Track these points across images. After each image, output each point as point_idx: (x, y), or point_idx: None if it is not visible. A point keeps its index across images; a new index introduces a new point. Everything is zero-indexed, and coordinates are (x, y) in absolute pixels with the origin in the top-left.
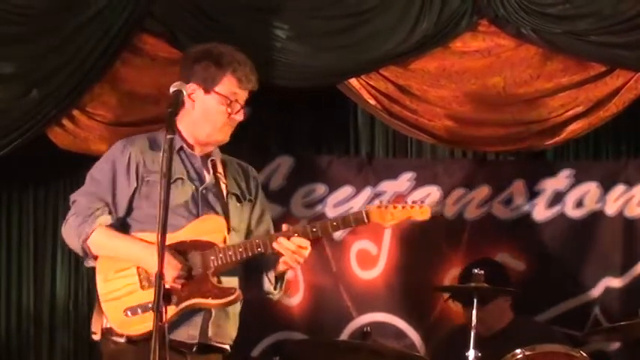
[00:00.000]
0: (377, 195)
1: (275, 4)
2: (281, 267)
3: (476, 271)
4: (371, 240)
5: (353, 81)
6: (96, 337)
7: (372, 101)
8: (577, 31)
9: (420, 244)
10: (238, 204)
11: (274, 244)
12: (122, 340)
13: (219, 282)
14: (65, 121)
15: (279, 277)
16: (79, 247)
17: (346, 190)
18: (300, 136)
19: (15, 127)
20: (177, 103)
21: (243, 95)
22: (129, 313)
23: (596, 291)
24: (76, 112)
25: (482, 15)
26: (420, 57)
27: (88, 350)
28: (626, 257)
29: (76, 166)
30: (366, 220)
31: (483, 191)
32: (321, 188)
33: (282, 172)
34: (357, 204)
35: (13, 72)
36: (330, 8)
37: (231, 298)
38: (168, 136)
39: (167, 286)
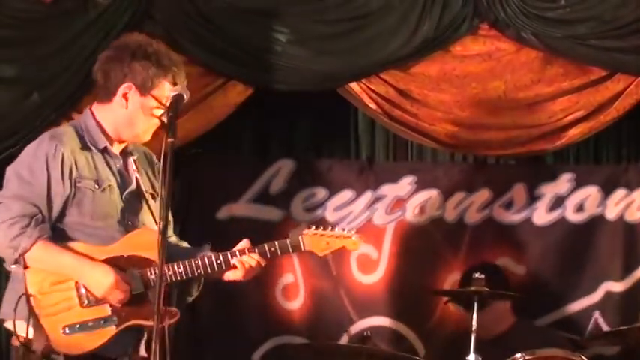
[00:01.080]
0: (377, 199)
1: (275, 8)
2: (229, 276)
3: (476, 275)
4: (371, 244)
5: (353, 85)
6: (15, 343)
7: (373, 105)
8: (577, 35)
9: (421, 248)
10: (153, 201)
11: (233, 260)
12: (60, 358)
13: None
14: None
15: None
16: (12, 258)
17: (347, 194)
18: (300, 139)
19: (15, 131)
20: (177, 107)
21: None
22: (67, 330)
23: (597, 295)
24: (76, 116)
25: (482, 19)
26: (420, 61)
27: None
28: (627, 262)
29: None
30: (302, 247)
31: (484, 195)
32: (321, 192)
33: (282, 176)
34: (358, 208)
35: (14, 75)
36: (330, 12)
37: (173, 320)
38: (169, 140)
39: (109, 306)
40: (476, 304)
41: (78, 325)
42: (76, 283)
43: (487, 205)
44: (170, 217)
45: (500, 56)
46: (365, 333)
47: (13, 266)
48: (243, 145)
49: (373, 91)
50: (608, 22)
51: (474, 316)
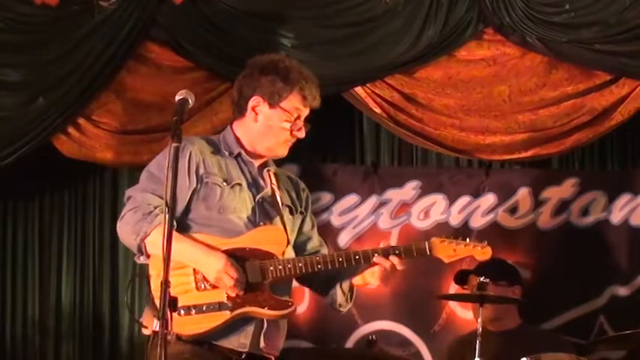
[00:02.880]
0: (382, 203)
1: (280, 13)
2: (359, 280)
3: (481, 279)
4: None
5: (358, 89)
6: (147, 332)
7: (378, 110)
8: (582, 39)
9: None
10: (291, 216)
11: (376, 259)
12: (171, 338)
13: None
14: (71, 129)
15: (351, 289)
16: (135, 244)
17: (352, 199)
18: (305, 144)
19: (21, 135)
20: (182, 111)
21: (305, 112)
22: (182, 312)
23: (602, 299)
24: (81, 121)
25: (487, 23)
26: (425, 65)
27: (93, 358)
28: (632, 266)
29: (81, 174)
30: (428, 253)
31: (489, 200)
32: (326, 196)
33: None
34: (363, 212)
35: (20, 80)
36: (335, 17)
37: (289, 310)
38: (174, 145)
39: (225, 292)
40: (481, 310)
41: (193, 308)
42: (194, 269)
43: (492, 210)
44: (318, 237)
45: (505, 61)
46: (370, 337)
47: (142, 258)
48: None
49: (378, 95)
50: (612, 26)
51: (479, 320)
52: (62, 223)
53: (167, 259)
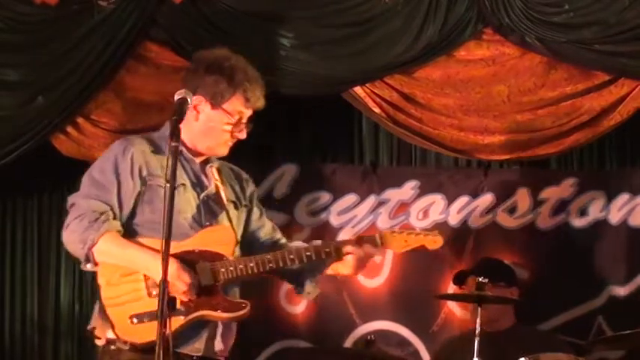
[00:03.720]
0: (381, 203)
1: (280, 13)
2: (331, 272)
3: (480, 279)
4: None
5: (357, 89)
6: (100, 342)
7: (377, 109)
8: (581, 39)
9: (424, 252)
10: (236, 211)
11: (347, 248)
12: (125, 347)
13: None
14: (70, 129)
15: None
16: (83, 253)
17: (350, 198)
18: (304, 144)
19: (19, 135)
20: (182, 110)
21: (248, 113)
22: (134, 320)
23: (600, 300)
24: (80, 120)
25: (486, 23)
26: (424, 65)
27: (92, 357)
28: (630, 266)
29: (80, 174)
30: (379, 244)
31: (487, 200)
32: (325, 196)
33: (286, 180)
34: (361, 212)
35: (19, 79)
36: (334, 16)
37: (243, 312)
38: (173, 144)
39: (178, 298)
40: (480, 309)
41: (145, 315)
42: (144, 274)
43: (491, 210)
44: (270, 222)
45: (504, 61)
46: (369, 337)
47: (88, 265)
48: (246, 149)
49: (377, 95)
50: (612, 26)
51: (478, 320)
52: (61, 222)
53: (166, 259)
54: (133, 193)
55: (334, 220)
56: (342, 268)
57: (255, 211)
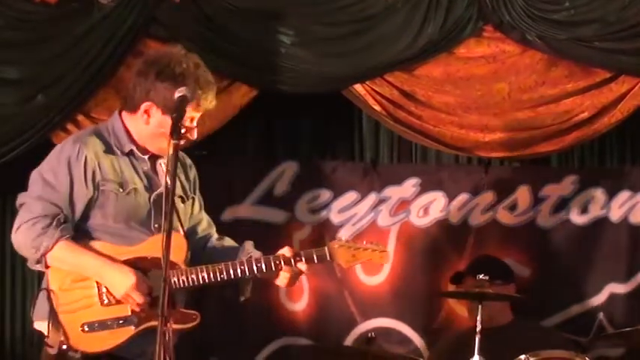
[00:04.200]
0: (382, 200)
1: (280, 10)
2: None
3: (480, 276)
4: None
5: (358, 87)
6: (52, 352)
7: (377, 107)
8: (582, 37)
9: (425, 249)
10: (182, 205)
11: (284, 268)
12: (77, 355)
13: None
14: (70, 126)
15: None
16: (35, 258)
17: (351, 196)
18: (304, 141)
19: (20, 132)
20: (182, 108)
21: (198, 115)
22: (86, 328)
23: (601, 297)
24: (80, 117)
25: (487, 21)
26: (424, 63)
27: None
28: (631, 263)
29: None
30: (328, 258)
31: (488, 197)
32: (325, 194)
33: (287, 178)
34: (362, 209)
35: (19, 77)
36: (334, 14)
37: (194, 323)
38: (173, 142)
39: (131, 308)
40: (480, 307)
41: (97, 324)
42: (97, 281)
43: (491, 207)
44: (206, 217)
45: (504, 58)
46: (369, 334)
47: (37, 265)
48: (247, 146)
49: (377, 93)
50: (612, 24)
51: (479, 318)
52: None
53: (166, 259)
54: (86, 198)
55: (335, 218)
56: (280, 281)
57: (196, 204)
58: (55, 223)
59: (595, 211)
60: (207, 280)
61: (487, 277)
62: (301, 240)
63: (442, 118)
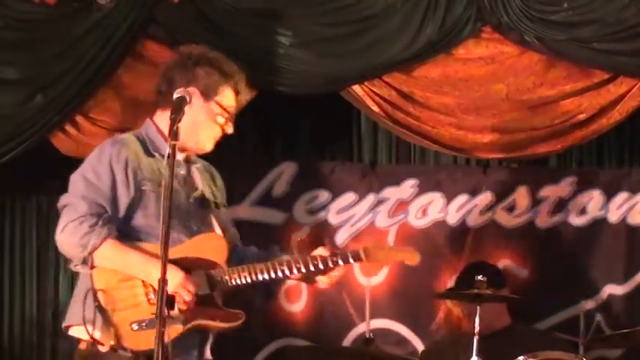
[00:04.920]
0: (380, 201)
1: (278, 11)
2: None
3: (479, 277)
4: None
5: (356, 88)
6: (103, 349)
7: (376, 108)
8: (580, 38)
9: (423, 250)
10: (217, 210)
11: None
12: (128, 354)
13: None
14: (68, 127)
15: None
16: (81, 256)
17: (349, 197)
18: (303, 142)
19: (18, 133)
20: (180, 109)
21: (235, 108)
22: (135, 326)
23: (599, 298)
24: (79, 118)
25: (485, 22)
26: (423, 64)
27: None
28: (629, 264)
29: None
30: (363, 258)
31: (486, 198)
32: (324, 194)
33: (285, 179)
34: (360, 210)
35: (17, 77)
36: (333, 15)
37: (239, 322)
38: (172, 142)
39: (178, 307)
40: (478, 308)
41: (145, 322)
42: (143, 280)
43: (490, 208)
44: (234, 228)
45: (502, 59)
46: (367, 335)
47: (79, 266)
48: (246, 147)
49: (376, 93)
50: (611, 25)
51: (477, 319)
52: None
53: (165, 258)
54: (128, 198)
55: (333, 219)
56: (323, 282)
57: (227, 214)
58: (101, 222)
59: (593, 212)
60: (248, 279)
61: (485, 279)
62: (299, 241)
63: (440, 119)
